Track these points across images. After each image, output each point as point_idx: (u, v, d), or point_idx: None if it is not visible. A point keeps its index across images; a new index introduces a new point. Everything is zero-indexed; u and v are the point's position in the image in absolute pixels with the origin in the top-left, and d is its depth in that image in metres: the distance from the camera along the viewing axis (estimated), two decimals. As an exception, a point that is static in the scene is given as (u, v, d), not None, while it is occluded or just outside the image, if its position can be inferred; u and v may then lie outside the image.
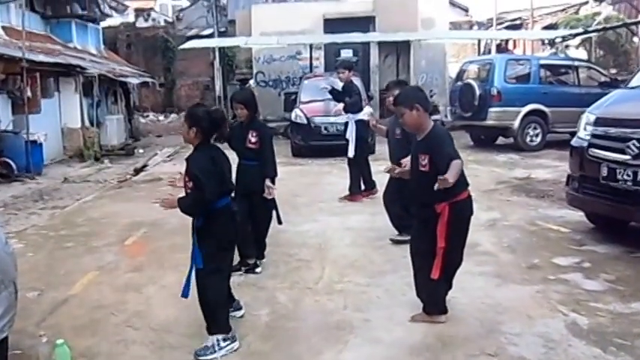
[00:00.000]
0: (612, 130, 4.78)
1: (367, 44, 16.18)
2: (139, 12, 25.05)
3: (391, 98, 5.06)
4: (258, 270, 4.45)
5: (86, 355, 3.19)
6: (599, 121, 4.96)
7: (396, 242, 5.05)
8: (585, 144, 4.99)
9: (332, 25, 16.14)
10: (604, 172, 4.71)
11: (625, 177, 4.53)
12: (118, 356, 3.22)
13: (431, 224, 3.28)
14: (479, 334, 3.24)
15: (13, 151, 9.59)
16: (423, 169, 3.29)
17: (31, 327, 3.58)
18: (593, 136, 4.95)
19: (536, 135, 11.17)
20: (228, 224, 3.18)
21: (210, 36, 20.42)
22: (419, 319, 3.46)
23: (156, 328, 3.52)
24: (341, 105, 7.19)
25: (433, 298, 3.43)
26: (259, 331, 3.44)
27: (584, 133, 5.13)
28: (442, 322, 3.41)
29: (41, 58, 11.04)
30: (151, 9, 26.07)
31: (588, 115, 5.18)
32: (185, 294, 3.24)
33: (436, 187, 3.09)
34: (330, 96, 7.66)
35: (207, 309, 3.17)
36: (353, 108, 7.09)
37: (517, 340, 3.20)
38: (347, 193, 7.09)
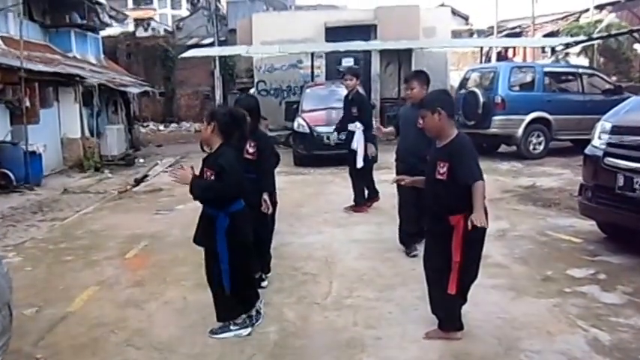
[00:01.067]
0: (629, 139, 4.68)
1: (369, 53, 16.17)
2: (138, 21, 25.18)
3: (409, 91, 5.11)
4: (263, 284, 4.31)
5: (85, 378, 3.04)
6: (615, 130, 4.86)
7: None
8: (600, 153, 4.89)
9: (333, 33, 16.14)
10: (620, 181, 4.61)
11: None
12: (119, 378, 3.07)
13: (445, 238, 3.14)
14: (497, 352, 3.11)
15: (12, 162, 9.44)
16: (440, 177, 3.12)
17: (28, 347, 3.43)
18: (609, 144, 4.85)
19: (539, 143, 11.11)
20: (249, 225, 3.34)
21: (211, 45, 20.42)
22: (434, 335, 3.32)
23: (159, 348, 3.36)
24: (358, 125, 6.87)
25: (450, 314, 3.30)
26: (268, 350, 3.29)
27: (599, 141, 5.01)
28: (458, 338, 3.28)
29: (40, 67, 10.97)
30: (151, 18, 26.23)
31: (604, 124, 5.07)
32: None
33: (469, 226, 2.95)
34: (333, 107, 7.48)
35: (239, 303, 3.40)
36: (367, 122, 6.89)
37: (537, 358, 3.08)
38: (351, 203, 6.97)
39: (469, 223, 2.95)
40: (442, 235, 3.17)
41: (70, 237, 6.25)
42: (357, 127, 6.83)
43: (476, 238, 3.15)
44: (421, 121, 3.28)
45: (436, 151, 3.25)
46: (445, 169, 3.10)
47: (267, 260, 4.47)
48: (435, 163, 3.17)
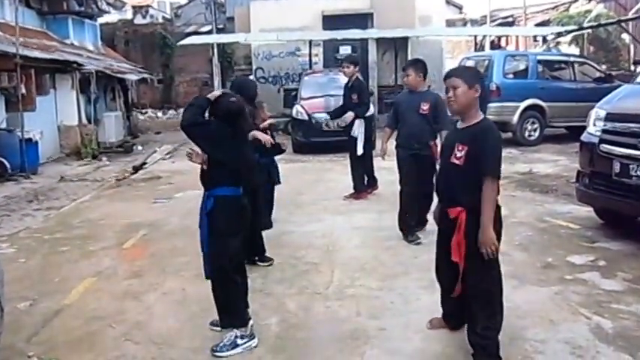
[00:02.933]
0: (624, 126, 4.70)
1: (365, 41, 16.23)
2: (136, 8, 24.94)
3: (406, 78, 5.17)
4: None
5: (81, 374, 2.98)
6: (609, 117, 4.90)
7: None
8: (596, 140, 4.93)
9: (330, 21, 16.21)
10: (616, 168, 4.64)
11: (638, 173, 4.47)
12: (116, 375, 3.01)
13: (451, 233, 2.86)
14: (501, 342, 3.05)
15: (7, 150, 9.35)
16: (456, 161, 2.81)
17: (21, 343, 3.34)
18: (604, 131, 4.88)
19: (535, 130, 11.23)
20: (234, 218, 3.16)
21: (209, 32, 20.31)
22: (437, 324, 3.28)
23: (157, 342, 3.30)
24: (350, 114, 6.84)
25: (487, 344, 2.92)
26: (269, 342, 3.24)
27: (594, 128, 5.06)
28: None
29: (36, 54, 10.84)
30: (149, 5, 25.95)
31: (598, 111, 5.11)
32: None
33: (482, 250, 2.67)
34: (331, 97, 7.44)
35: (216, 299, 3.15)
36: (363, 112, 6.85)
37: (542, 348, 3.06)
38: (351, 191, 6.93)
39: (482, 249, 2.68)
40: (450, 229, 2.86)
41: (66, 226, 6.19)
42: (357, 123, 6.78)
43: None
44: (450, 93, 2.84)
45: (456, 133, 2.92)
46: (464, 152, 2.78)
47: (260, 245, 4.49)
48: (454, 146, 2.85)
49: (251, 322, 3.18)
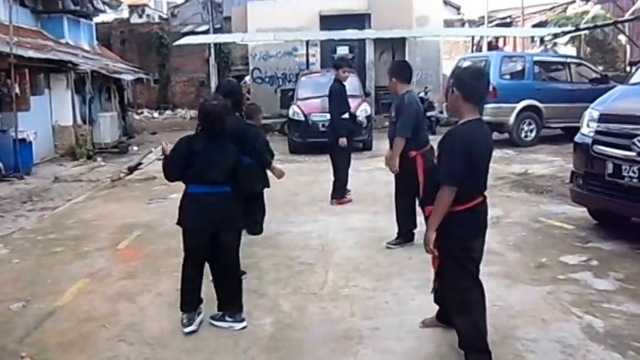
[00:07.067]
0: (617, 127, 4.73)
1: (363, 41, 16.28)
2: (133, 8, 24.89)
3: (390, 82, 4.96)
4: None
5: (74, 376, 2.97)
6: (603, 118, 4.93)
7: (391, 246, 4.88)
8: (589, 140, 4.96)
9: (328, 22, 16.21)
10: (609, 168, 4.68)
11: (631, 174, 4.49)
12: (109, 376, 3.00)
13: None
14: (493, 341, 3.08)
15: (1, 150, 9.25)
16: (437, 162, 2.94)
17: (13, 344, 3.33)
18: (598, 132, 4.91)
19: (531, 130, 11.30)
20: (190, 210, 3.32)
21: (206, 32, 20.29)
22: (430, 323, 3.31)
23: (151, 343, 3.30)
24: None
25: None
26: (263, 342, 3.26)
27: (587, 129, 5.09)
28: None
29: (30, 53, 10.77)
30: (146, 5, 25.87)
31: (592, 112, 5.15)
32: None
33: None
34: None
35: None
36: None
37: (534, 347, 3.09)
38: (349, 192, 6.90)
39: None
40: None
41: (60, 227, 6.16)
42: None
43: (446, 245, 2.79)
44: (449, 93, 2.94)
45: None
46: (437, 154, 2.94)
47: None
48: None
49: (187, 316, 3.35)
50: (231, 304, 3.40)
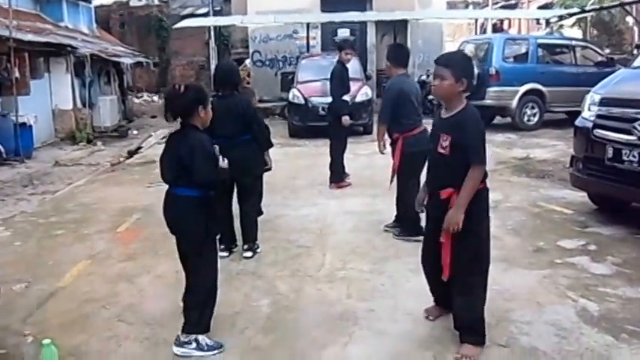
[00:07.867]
0: (618, 111, 4.70)
1: (364, 23, 16.03)
2: (132, -10, 24.52)
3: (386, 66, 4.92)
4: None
5: (74, 354, 3.01)
6: (604, 101, 4.88)
7: (389, 230, 4.89)
8: (590, 124, 4.92)
9: (329, 3, 15.97)
10: (609, 153, 4.65)
11: (631, 158, 4.47)
12: (109, 355, 3.03)
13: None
14: (488, 323, 3.11)
15: (1, 134, 9.26)
16: (442, 150, 2.83)
17: (17, 323, 3.39)
18: (598, 116, 4.87)
19: (534, 114, 11.18)
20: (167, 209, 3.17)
21: (205, 15, 20.08)
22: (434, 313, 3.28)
23: (150, 323, 3.35)
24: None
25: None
26: (260, 323, 3.30)
27: (588, 113, 5.05)
28: None
29: (30, 37, 10.71)
30: (144, -13, 25.53)
31: (593, 95, 5.10)
32: None
33: (444, 225, 2.73)
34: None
35: None
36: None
37: (528, 329, 3.11)
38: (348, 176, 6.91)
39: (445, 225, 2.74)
40: (440, 219, 2.82)
41: (60, 211, 6.20)
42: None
43: (470, 227, 2.75)
44: (436, 82, 2.84)
45: (441, 122, 2.92)
46: (447, 142, 2.79)
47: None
48: (439, 135, 2.86)
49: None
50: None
